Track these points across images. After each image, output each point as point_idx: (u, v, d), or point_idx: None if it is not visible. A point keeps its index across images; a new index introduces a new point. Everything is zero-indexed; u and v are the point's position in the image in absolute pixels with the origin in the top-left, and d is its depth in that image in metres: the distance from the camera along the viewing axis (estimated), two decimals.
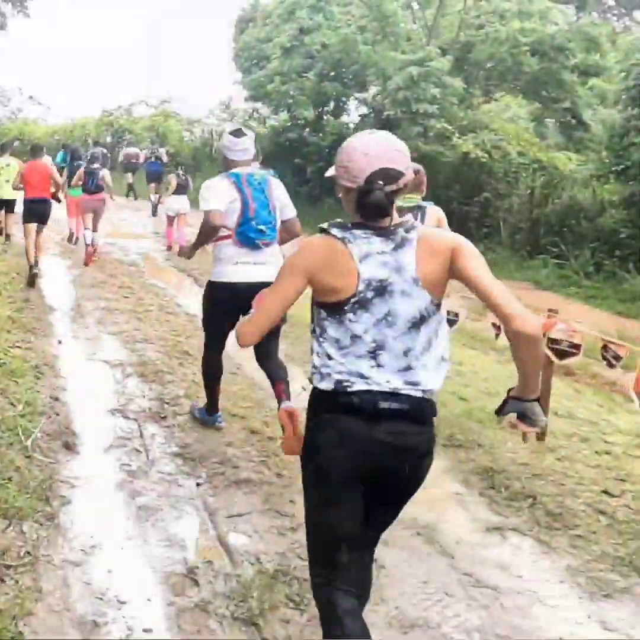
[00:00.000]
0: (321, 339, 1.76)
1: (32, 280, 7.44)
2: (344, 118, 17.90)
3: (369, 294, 1.70)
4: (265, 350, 3.39)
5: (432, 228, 2.09)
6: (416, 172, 3.36)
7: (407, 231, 1.72)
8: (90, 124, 26.32)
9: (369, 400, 1.68)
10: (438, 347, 1.74)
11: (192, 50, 55.80)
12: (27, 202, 8.00)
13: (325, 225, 1.78)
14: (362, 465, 1.71)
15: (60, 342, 5.68)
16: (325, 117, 17.67)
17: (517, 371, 1.67)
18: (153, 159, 15.70)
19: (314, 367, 1.77)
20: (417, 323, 1.70)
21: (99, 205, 8.87)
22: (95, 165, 8.86)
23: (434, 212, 4.28)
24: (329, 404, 1.73)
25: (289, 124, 18.10)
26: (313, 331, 1.81)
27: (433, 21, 15.49)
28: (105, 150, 9.88)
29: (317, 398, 1.77)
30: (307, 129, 17.70)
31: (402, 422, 1.69)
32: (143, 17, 62.53)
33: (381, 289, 1.70)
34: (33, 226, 7.81)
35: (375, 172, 1.68)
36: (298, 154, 17.42)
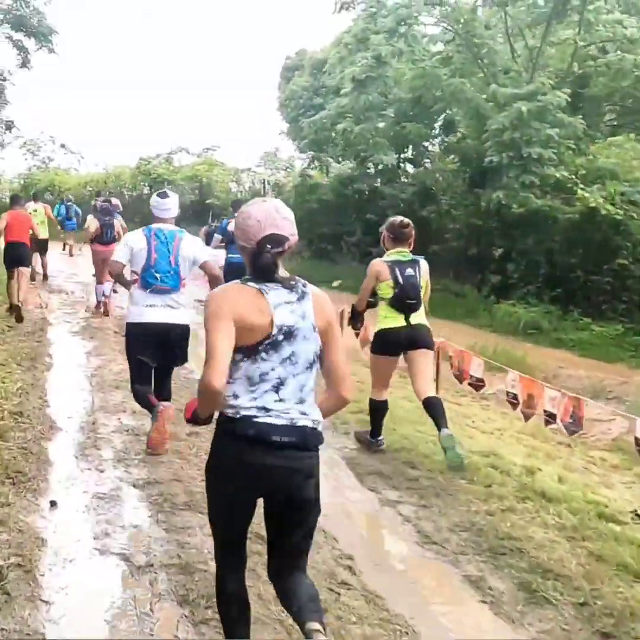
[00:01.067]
0: (232, 379, 2.19)
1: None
2: (427, 165, 16.24)
3: (280, 337, 2.18)
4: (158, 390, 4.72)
5: (317, 289, 2.35)
6: (406, 226, 4.80)
7: (303, 286, 2.28)
8: (126, 174, 25.60)
9: (265, 432, 2.14)
10: (316, 387, 2.30)
11: (234, 99, 56.65)
12: (7, 247, 9.35)
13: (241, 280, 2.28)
14: (253, 485, 2.20)
15: (53, 504, 3.87)
16: (402, 165, 16.11)
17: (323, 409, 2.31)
18: None
19: (230, 396, 2.20)
20: (312, 363, 2.24)
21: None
22: (108, 218, 9.83)
23: (425, 265, 4.92)
24: (231, 432, 2.18)
25: (357, 172, 16.65)
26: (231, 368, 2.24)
27: (538, 49, 13.94)
28: (112, 200, 11.13)
29: (222, 425, 2.23)
30: (380, 179, 16.20)
31: (291, 450, 2.17)
32: (182, 57, 64.02)
33: (289, 333, 2.19)
34: (20, 271, 9.40)
35: (265, 236, 2.20)
36: (369, 207, 15.88)
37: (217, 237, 9.46)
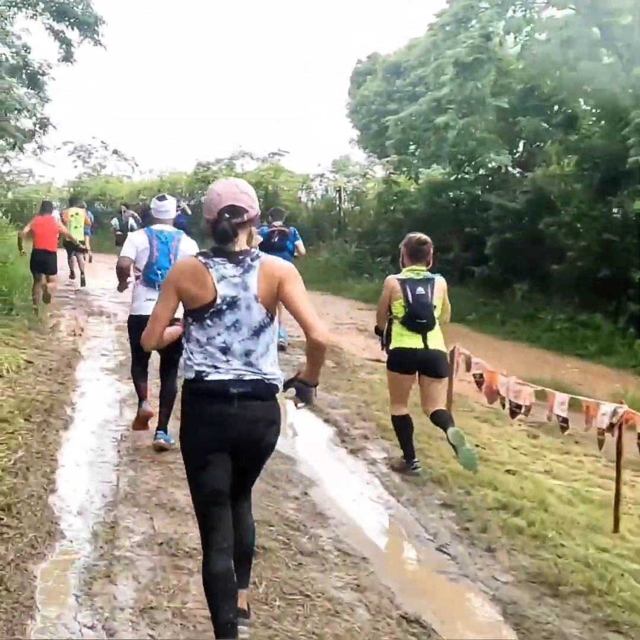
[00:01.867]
0: (187, 341, 2.72)
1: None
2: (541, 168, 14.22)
3: (223, 307, 2.64)
4: (164, 372, 5.36)
5: (270, 257, 2.72)
6: (423, 243, 5.01)
7: (252, 260, 2.67)
8: (183, 181, 24.51)
9: (222, 386, 2.61)
10: (273, 351, 2.72)
11: (300, 104, 55.79)
12: (34, 253, 10.36)
13: (196, 254, 2.81)
14: (221, 436, 2.62)
15: None
16: (509, 168, 14.25)
17: (307, 364, 2.74)
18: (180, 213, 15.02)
19: (184, 361, 2.72)
20: (257, 331, 2.66)
21: None
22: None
23: (441, 284, 5.06)
24: (192, 391, 2.69)
25: (453, 177, 14.93)
26: (183, 335, 2.77)
27: None
28: (135, 214, 12.58)
29: (185, 386, 2.74)
30: (482, 185, 14.42)
31: (248, 400, 2.62)
32: (245, 59, 63.82)
33: (232, 303, 2.64)
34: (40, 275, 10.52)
35: (224, 207, 2.65)
36: (469, 219, 14.12)
37: (258, 238, 9.05)
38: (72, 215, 14.21)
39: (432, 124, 14.28)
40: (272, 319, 2.69)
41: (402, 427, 5.07)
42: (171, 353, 4.85)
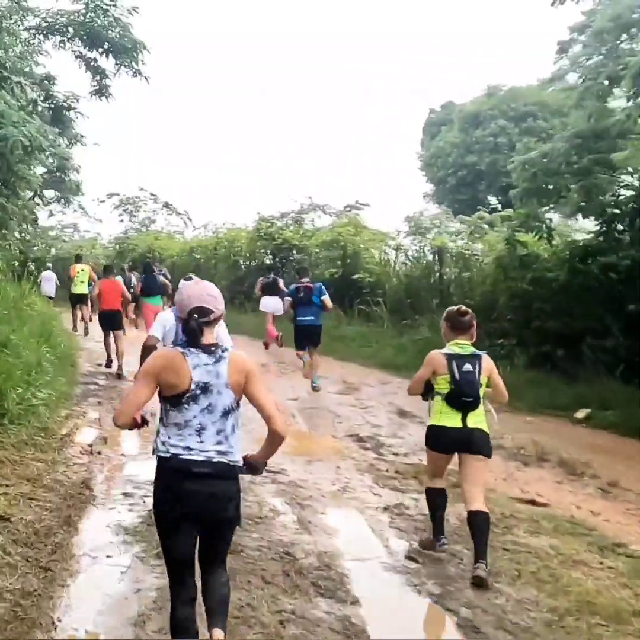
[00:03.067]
0: (164, 425, 3.12)
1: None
2: None
3: (198, 391, 3.05)
4: None
5: (238, 352, 3.24)
6: (464, 314, 4.93)
7: (222, 351, 3.13)
8: (242, 238, 21.60)
9: (187, 466, 3.03)
10: (238, 432, 3.17)
11: (369, 158, 53.36)
12: (102, 314, 12.12)
13: (175, 346, 3.32)
14: (185, 508, 3.04)
15: None
16: None
17: (265, 447, 3.22)
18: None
19: (158, 443, 3.11)
20: (227, 413, 3.10)
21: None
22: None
23: (488, 361, 4.90)
24: (163, 468, 3.10)
25: (604, 238, 11.55)
26: (160, 419, 3.15)
27: None
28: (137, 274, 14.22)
29: (159, 463, 3.12)
30: None
31: (208, 479, 3.04)
32: (310, 106, 62.13)
33: (205, 389, 3.06)
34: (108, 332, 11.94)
35: (192, 308, 3.08)
36: (631, 293, 10.69)
37: (288, 299, 10.70)
38: (78, 272, 15.67)
39: (574, 166, 11.02)
40: (238, 404, 3.17)
41: (435, 500, 4.94)
42: None
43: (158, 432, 3.13)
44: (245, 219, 27.25)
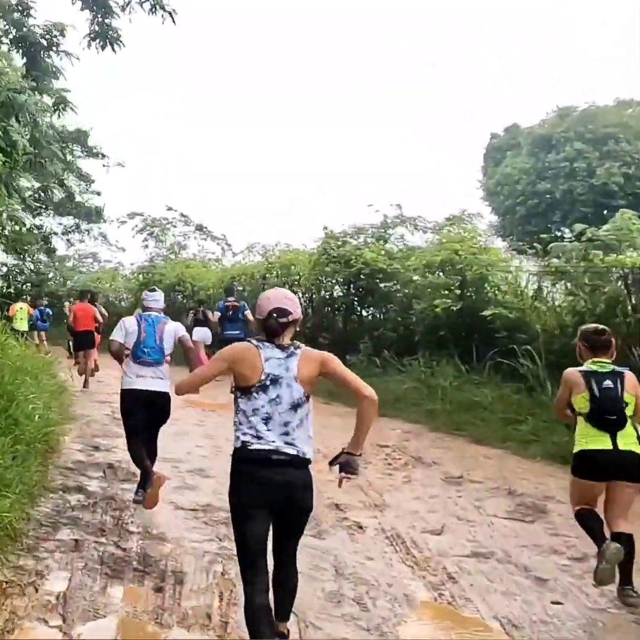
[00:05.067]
0: (236, 411, 3.38)
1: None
2: None
3: (268, 382, 3.29)
4: (150, 438, 6.21)
5: (311, 349, 3.42)
6: (602, 333, 4.85)
7: (295, 348, 3.35)
8: (303, 263, 16.52)
9: (263, 454, 3.23)
10: (308, 426, 3.36)
11: (424, 184, 48.84)
12: (78, 334, 12.98)
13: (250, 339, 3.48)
14: (263, 496, 3.23)
15: None
16: None
17: (355, 431, 3.39)
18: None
19: (234, 431, 3.37)
20: (295, 406, 3.30)
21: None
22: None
23: (632, 378, 4.69)
24: (238, 457, 3.32)
25: None
26: (234, 407, 3.42)
27: None
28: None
29: (235, 452, 3.35)
30: None
31: (285, 467, 3.25)
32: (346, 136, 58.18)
33: (275, 380, 3.29)
34: (82, 352, 12.82)
35: (272, 308, 3.36)
36: None
37: (217, 313, 12.96)
38: (17, 310, 17.20)
39: None
40: (308, 398, 3.35)
41: (588, 519, 4.64)
42: (159, 425, 6.24)
43: (233, 422, 3.41)
44: (302, 237, 22.19)
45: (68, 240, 37.92)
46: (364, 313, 14.80)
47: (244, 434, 3.30)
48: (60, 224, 38.66)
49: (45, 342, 18.22)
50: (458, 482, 7.35)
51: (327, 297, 15.59)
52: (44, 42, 9.83)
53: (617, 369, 4.68)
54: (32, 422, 7.08)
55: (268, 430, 3.27)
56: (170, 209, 24.89)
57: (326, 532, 5.87)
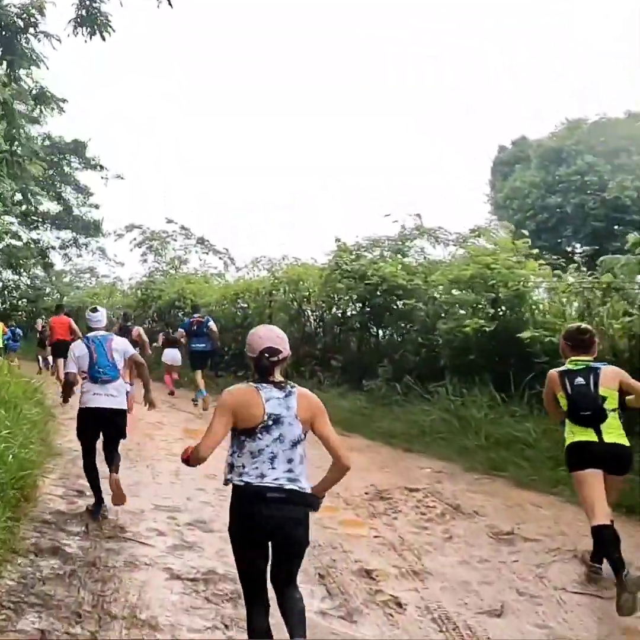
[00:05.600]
0: (238, 455, 3.47)
1: None
2: None
3: (270, 422, 3.40)
4: (110, 448, 6.39)
5: (304, 389, 3.59)
6: (584, 333, 5.04)
7: (291, 387, 3.50)
8: (313, 278, 15.38)
9: (263, 492, 3.36)
10: (306, 461, 3.50)
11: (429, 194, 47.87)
12: (55, 344, 14.25)
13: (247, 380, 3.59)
14: (259, 529, 3.39)
15: None
16: None
17: (323, 483, 3.62)
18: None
19: (232, 472, 3.47)
20: (296, 443, 3.44)
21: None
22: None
23: (609, 372, 4.83)
24: (240, 494, 3.42)
25: None
26: (232, 452, 3.51)
27: None
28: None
29: (235, 490, 3.46)
30: None
31: (282, 504, 3.37)
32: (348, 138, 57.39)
33: (277, 420, 3.41)
34: (61, 360, 12.69)
35: (264, 348, 3.50)
36: None
37: (181, 331, 13.63)
38: None
39: None
40: (305, 435, 3.50)
41: (602, 539, 4.64)
42: (116, 440, 6.41)
43: (230, 464, 3.48)
44: (311, 251, 21.02)
45: (65, 254, 36.94)
46: (380, 333, 13.60)
47: (248, 473, 3.42)
48: (58, 238, 37.81)
49: (16, 360, 18.49)
50: (509, 540, 6.13)
51: (340, 315, 14.40)
52: (20, 23, 8.72)
53: (593, 365, 4.84)
54: (4, 465, 6.00)
55: (272, 468, 3.42)
56: (170, 221, 23.84)
57: (358, 611, 4.71)
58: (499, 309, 10.45)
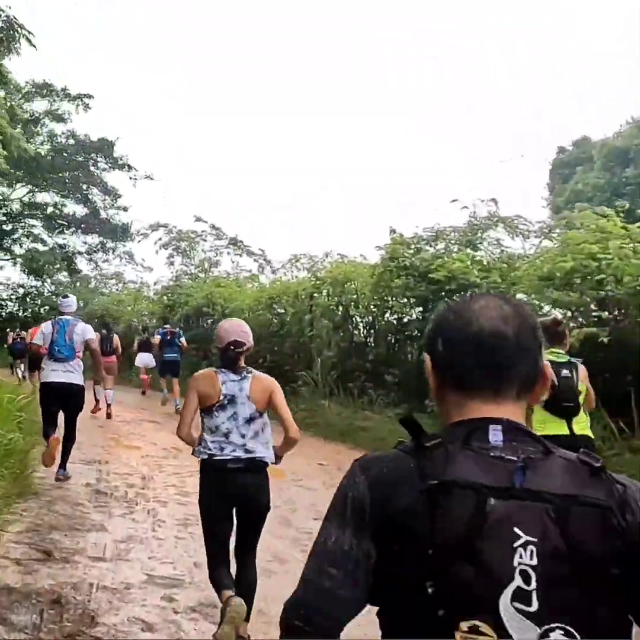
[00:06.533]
0: (203, 432, 3.88)
1: None
2: None
3: (225, 402, 3.82)
4: (68, 425, 7.25)
5: (261, 373, 4.03)
6: (558, 324, 5.15)
7: (248, 372, 3.90)
8: (362, 277, 13.21)
9: (223, 463, 3.76)
10: (263, 437, 3.86)
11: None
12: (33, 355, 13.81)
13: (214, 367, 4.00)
14: (227, 498, 3.81)
15: None
16: None
17: (279, 450, 3.95)
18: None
19: (199, 446, 3.88)
20: (249, 420, 3.82)
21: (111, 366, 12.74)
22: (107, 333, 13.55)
23: (584, 370, 5.12)
24: (206, 466, 3.85)
25: None
26: (201, 428, 3.93)
27: None
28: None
29: (201, 464, 3.89)
30: None
31: (241, 473, 3.77)
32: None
33: (232, 400, 3.82)
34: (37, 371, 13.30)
35: (230, 341, 3.84)
36: None
37: (158, 337, 14.53)
38: None
39: None
40: (261, 414, 3.87)
41: None
42: (73, 413, 7.23)
43: (199, 439, 3.92)
44: (359, 247, 18.66)
45: (91, 259, 35.33)
46: None
47: (209, 448, 3.84)
48: (85, 242, 36.28)
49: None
50: None
51: (395, 321, 12.19)
52: None
53: (572, 360, 5.09)
54: None
55: (228, 442, 3.82)
56: (199, 219, 21.81)
57: None
58: (611, 312, 8.15)
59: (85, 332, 7.32)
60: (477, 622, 1.04)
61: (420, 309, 11.70)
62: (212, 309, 18.59)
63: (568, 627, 1.03)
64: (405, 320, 12.06)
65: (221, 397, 3.82)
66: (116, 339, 13.25)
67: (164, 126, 54.99)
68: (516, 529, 1.04)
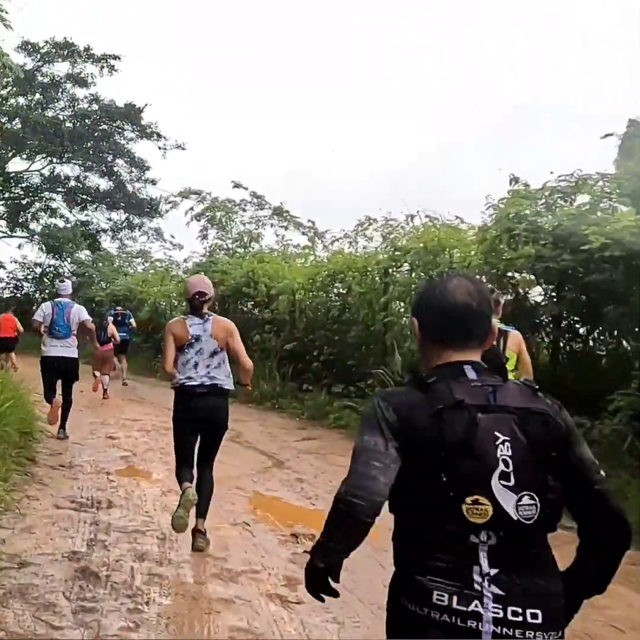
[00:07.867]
0: (176, 364, 4.96)
1: None
2: None
3: (193, 340, 4.94)
4: (65, 392, 8.67)
5: (220, 317, 5.27)
6: (492, 293, 5.01)
7: (209, 316, 5.03)
8: (463, 244, 10.06)
9: (193, 389, 4.90)
10: (225, 367, 5.02)
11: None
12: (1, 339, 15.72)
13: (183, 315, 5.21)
14: (193, 416, 4.94)
15: None
16: None
17: (240, 378, 5.30)
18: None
19: (175, 377, 4.98)
20: (213, 354, 4.95)
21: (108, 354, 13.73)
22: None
23: (516, 336, 5.53)
24: (178, 391, 5.01)
25: None
26: (174, 361, 4.99)
27: None
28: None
29: (176, 390, 5.03)
30: None
31: (206, 396, 4.91)
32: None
33: (197, 338, 4.95)
34: (3, 354, 15.37)
35: (195, 291, 5.02)
36: None
37: (110, 318, 15.17)
38: None
39: None
40: (222, 349, 4.99)
41: None
42: (70, 382, 8.66)
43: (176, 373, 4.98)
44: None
45: (114, 237, 32.51)
46: (595, 335, 8.18)
47: (181, 377, 4.93)
48: (109, 219, 33.51)
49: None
50: None
51: (521, 303, 9.00)
52: None
53: (503, 327, 5.34)
54: None
55: (196, 372, 4.91)
56: (237, 185, 18.74)
57: None
58: None
59: (79, 313, 8.74)
60: (477, 497, 1.68)
61: (552, 286, 8.52)
62: (254, 289, 15.58)
63: (531, 493, 1.69)
64: (529, 302, 8.87)
65: (189, 337, 4.97)
66: (111, 327, 14.05)
67: (199, 91, 52.29)
68: (496, 432, 1.68)
